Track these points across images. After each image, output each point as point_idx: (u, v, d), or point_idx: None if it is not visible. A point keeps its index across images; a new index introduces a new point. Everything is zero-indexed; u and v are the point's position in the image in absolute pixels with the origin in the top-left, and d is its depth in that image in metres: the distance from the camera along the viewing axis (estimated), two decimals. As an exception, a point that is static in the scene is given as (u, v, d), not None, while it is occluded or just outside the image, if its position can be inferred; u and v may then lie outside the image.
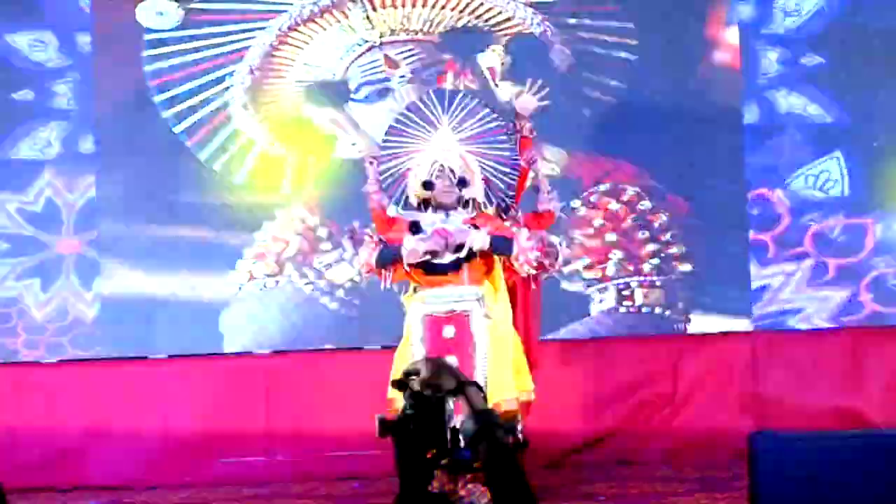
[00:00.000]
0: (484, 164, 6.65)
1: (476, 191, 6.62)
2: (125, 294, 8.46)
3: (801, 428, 7.23)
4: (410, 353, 6.46)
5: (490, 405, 6.27)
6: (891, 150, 8.30)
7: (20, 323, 8.46)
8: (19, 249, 8.51)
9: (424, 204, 6.63)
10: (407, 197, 6.71)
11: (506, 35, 8.45)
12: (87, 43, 8.50)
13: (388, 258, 6.53)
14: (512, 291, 6.84)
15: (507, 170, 6.67)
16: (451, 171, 6.57)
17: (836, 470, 5.09)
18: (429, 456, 5.94)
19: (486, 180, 6.64)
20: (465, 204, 6.61)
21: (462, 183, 6.58)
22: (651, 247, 8.32)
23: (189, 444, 8.26)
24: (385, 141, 6.80)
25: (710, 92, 8.39)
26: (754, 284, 8.27)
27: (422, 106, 6.74)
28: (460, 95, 6.77)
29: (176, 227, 8.48)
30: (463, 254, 6.48)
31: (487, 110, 6.69)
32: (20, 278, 8.48)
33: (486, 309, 6.51)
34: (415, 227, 6.59)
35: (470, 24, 8.47)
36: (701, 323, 8.31)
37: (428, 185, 6.58)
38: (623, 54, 8.41)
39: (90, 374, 8.42)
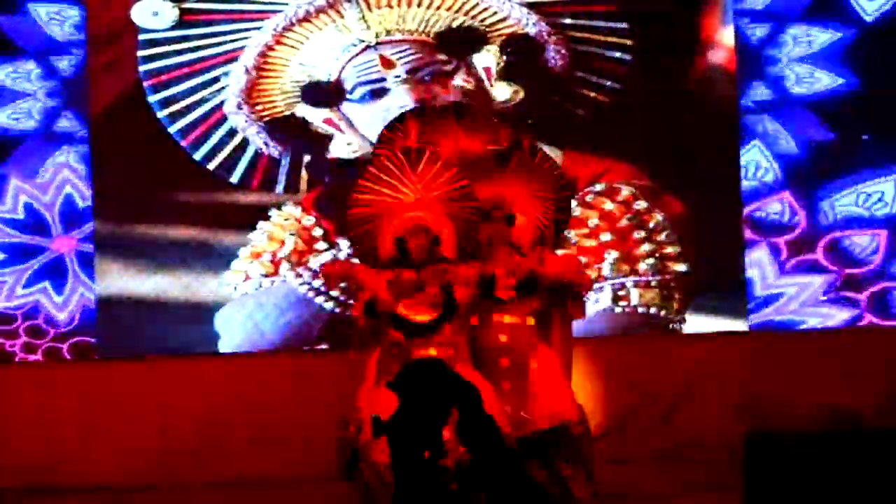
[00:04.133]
0: (454, 217, 6.40)
1: (449, 248, 6.38)
2: (120, 294, 8.46)
3: (797, 428, 7.24)
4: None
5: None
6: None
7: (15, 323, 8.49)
8: (16, 247, 8.51)
9: (396, 262, 6.40)
10: (377, 256, 6.45)
11: (501, 35, 8.46)
12: (81, 43, 8.51)
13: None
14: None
15: (475, 221, 6.42)
16: (426, 228, 6.37)
17: (831, 470, 5.11)
18: (425, 456, 5.94)
19: (458, 234, 6.39)
20: (439, 261, 6.38)
21: (436, 241, 6.36)
22: (646, 247, 8.32)
23: (186, 445, 8.24)
24: (355, 199, 6.49)
25: (705, 92, 8.41)
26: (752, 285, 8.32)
27: (390, 165, 6.45)
28: (428, 153, 6.47)
29: (171, 227, 8.48)
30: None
31: (456, 169, 6.41)
32: (17, 279, 8.50)
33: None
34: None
35: (465, 25, 8.48)
36: (696, 323, 8.32)
37: (401, 244, 6.34)
38: (618, 54, 8.42)
39: (86, 374, 8.43)
